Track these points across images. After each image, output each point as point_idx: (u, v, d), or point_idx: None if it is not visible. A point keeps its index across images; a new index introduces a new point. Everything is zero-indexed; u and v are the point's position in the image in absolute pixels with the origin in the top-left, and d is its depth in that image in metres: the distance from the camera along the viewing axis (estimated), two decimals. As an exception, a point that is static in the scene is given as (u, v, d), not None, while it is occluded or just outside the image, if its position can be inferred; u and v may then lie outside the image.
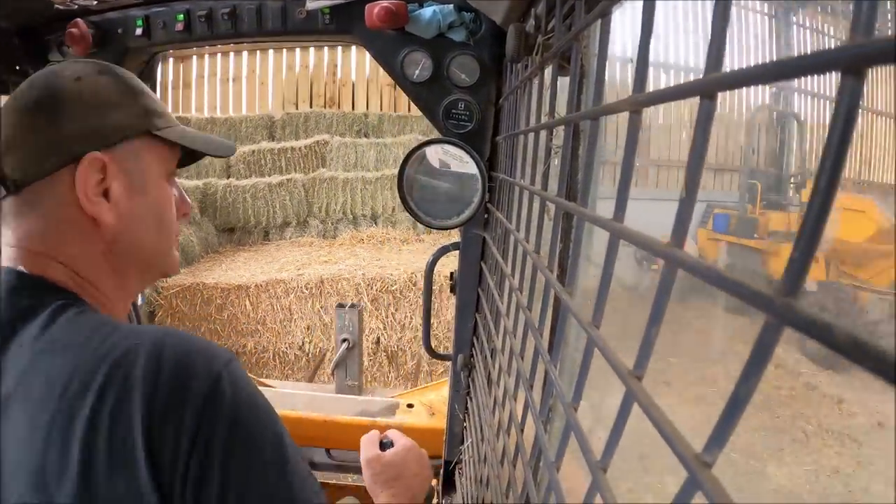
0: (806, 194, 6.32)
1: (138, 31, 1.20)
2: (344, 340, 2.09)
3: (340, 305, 2.13)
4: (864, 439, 3.62)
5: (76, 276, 0.64)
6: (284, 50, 6.82)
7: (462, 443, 1.27)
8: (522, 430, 0.56)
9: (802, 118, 7.64)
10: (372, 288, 4.28)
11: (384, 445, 0.97)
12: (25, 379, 0.53)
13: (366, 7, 1.04)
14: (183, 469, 0.50)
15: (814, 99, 8.12)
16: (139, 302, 1.55)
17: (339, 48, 6.62)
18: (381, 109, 6.68)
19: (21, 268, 0.62)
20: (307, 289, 4.39)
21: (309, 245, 5.43)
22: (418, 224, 5.55)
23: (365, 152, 5.98)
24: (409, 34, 1.08)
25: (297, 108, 6.73)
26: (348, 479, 1.69)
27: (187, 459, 0.50)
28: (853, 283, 5.22)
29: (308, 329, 4.45)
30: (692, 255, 0.27)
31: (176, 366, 0.52)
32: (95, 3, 1.17)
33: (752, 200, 6.64)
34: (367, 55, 7.11)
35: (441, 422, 1.31)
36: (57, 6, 1.15)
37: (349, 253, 5.05)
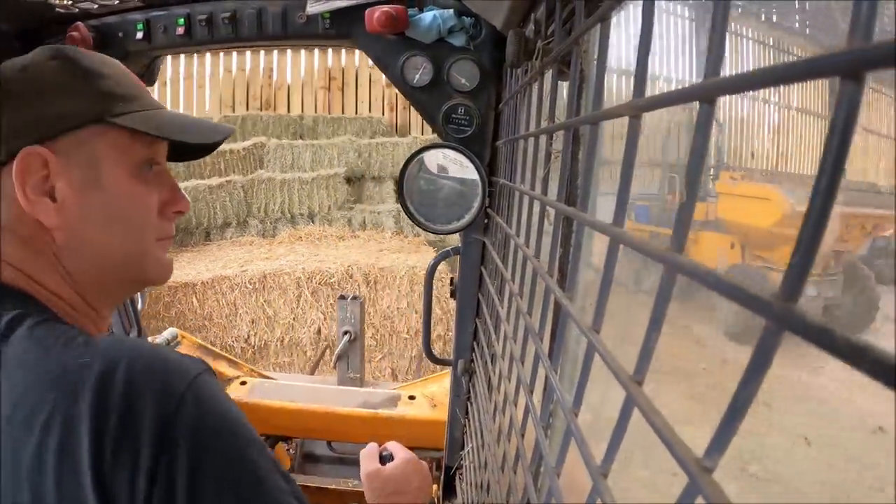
0: (719, 185, 6.83)
1: (139, 35, 1.20)
2: (346, 332, 2.08)
3: (342, 297, 2.12)
4: (773, 403, 3.97)
5: (31, 281, 0.58)
6: (221, 53, 6.93)
7: (463, 448, 1.26)
8: (523, 436, 0.56)
9: (722, 119, 8.17)
10: (312, 281, 4.48)
11: (384, 459, 0.96)
12: None
13: (366, 12, 1.04)
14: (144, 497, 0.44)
15: (730, 98, 8.53)
16: (139, 306, 1.54)
17: (276, 51, 6.70)
18: (315, 112, 6.83)
19: None
20: (251, 284, 4.57)
21: (249, 244, 5.61)
22: (353, 221, 5.40)
23: (301, 154, 6.19)
24: (410, 39, 1.08)
25: (233, 111, 6.91)
26: (349, 484, 1.68)
27: (147, 500, 0.44)
28: (764, 264, 5.73)
29: (253, 322, 4.63)
30: (692, 261, 0.27)
31: (129, 388, 0.46)
32: (96, 6, 1.17)
33: (672, 192, 7.07)
34: (302, 57, 7.05)
35: (443, 413, 1.31)
36: (58, 9, 1.16)
37: (289, 250, 5.24)
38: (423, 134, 6.84)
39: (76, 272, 0.60)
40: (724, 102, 8.81)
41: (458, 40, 1.07)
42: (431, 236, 5.90)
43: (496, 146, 1.12)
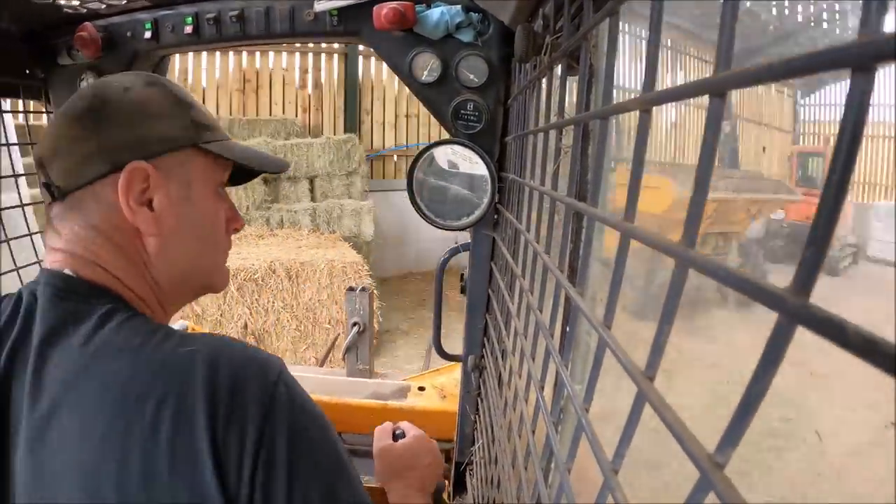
0: (615, 176, 7.19)
1: (147, 35, 1.21)
2: (355, 324, 2.07)
3: (351, 289, 2.12)
4: (671, 369, 4.42)
5: (118, 282, 0.64)
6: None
7: (473, 444, 1.27)
8: (534, 432, 0.56)
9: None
10: (237, 278, 4.54)
11: (396, 437, 0.99)
12: (76, 384, 0.53)
13: (374, 8, 1.04)
14: (249, 473, 0.51)
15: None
16: None
17: (191, 54, 6.64)
18: (230, 114, 6.82)
19: (68, 271, 0.62)
20: (175, 281, 4.76)
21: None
22: (272, 220, 5.85)
23: (218, 155, 6.34)
24: (417, 35, 1.08)
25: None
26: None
27: (253, 464, 0.51)
28: None
29: (181, 319, 4.80)
30: (704, 256, 0.27)
31: (234, 373, 0.53)
32: (104, 6, 1.18)
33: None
34: (217, 59, 7.08)
35: (452, 404, 1.31)
36: (66, 10, 1.16)
37: (210, 248, 5.44)
38: (335, 134, 6.94)
39: (160, 276, 0.67)
40: (620, 98, 9.96)
41: (467, 36, 1.07)
42: (348, 233, 6.15)
43: (505, 142, 1.11)
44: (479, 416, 1.18)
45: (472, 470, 1.25)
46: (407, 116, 7.70)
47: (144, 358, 0.54)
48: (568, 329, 0.53)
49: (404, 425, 1.03)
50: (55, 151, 0.63)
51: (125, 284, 0.64)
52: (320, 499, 0.54)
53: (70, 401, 0.53)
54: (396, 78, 1.43)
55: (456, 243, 1.28)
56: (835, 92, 11.95)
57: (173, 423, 0.50)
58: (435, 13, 1.05)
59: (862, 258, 12.31)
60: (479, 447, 1.17)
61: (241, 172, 0.77)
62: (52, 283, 0.61)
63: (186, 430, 0.50)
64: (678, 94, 0.28)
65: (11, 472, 0.53)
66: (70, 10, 1.17)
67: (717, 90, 0.24)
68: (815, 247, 0.17)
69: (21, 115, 1.34)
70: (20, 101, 1.32)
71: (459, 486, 1.33)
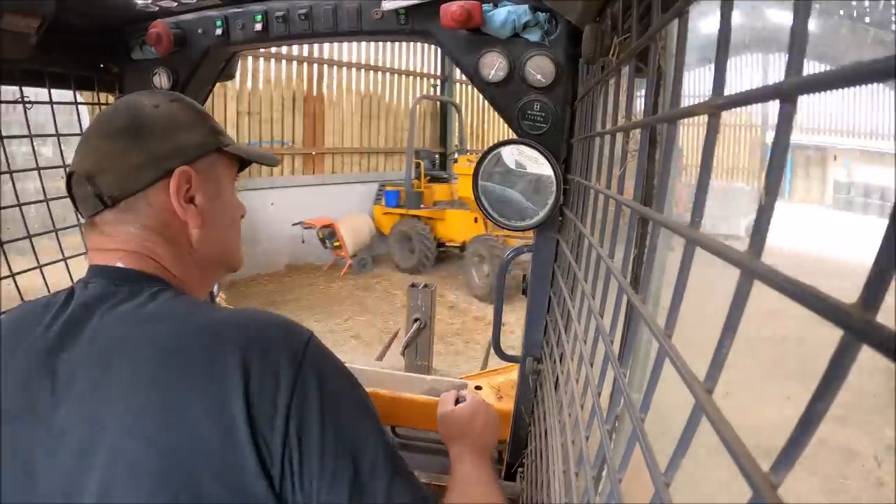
0: (457, 167, 7.98)
1: (218, 32, 1.25)
2: (416, 320, 2.09)
3: (413, 286, 2.14)
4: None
5: (166, 271, 0.74)
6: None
7: (526, 446, 1.26)
8: (587, 438, 0.55)
9: (460, 103, 10.15)
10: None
11: (458, 403, 1.06)
12: (128, 343, 0.61)
13: (441, 7, 1.05)
14: (283, 422, 0.57)
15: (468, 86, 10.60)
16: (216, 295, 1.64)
17: None
18: None
19: (119, 264, 0.71)
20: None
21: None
22: None
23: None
24: (485, 34, 1.08)
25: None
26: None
27: (286, 413, 0.58)
28: (504, 234, 6.80)
29: None
30: (770, 266, 0.26)
31: (268, 332, 0.62)
32: (175, 4, 1.23)
33: (418, 176, 8.37)
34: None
35: (509, 405, 1.30)
36: (139, 8, 1.22)
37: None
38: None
39: (200, 261, 0.78)
40: (461, 91, 10.76)
41: (534, 36, 1.06)
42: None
43: (571, 143, 1.10)
44: (534, 419, 1.17)
45: (522, 472, 1.24)
46: (249, 114, 7.75)
47: (187, 322, 0.63)
48: (628, 336, 0.52)
49: (467, 394, 1.10)
50: (102, 167, 0.71)
51: (172, 272, 0.74)
52: (351, 442, 0.60)
53: (122, 357, 0.61)
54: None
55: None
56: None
57: (208, 373, 0.58)
58: (502, 12, 1.05)
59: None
60: (531, 450, 1.16)
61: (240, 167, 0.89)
62: (106, 273, 0.71)
63: (219, 380, 0.57)
64: (747, 99, 0.27)
65: (56, 429, 0.60)
66: (143, 8, 1.23)
67: (787, 95, 0.23)
68: (883, 261, 0.17)
69: (97, 108, 1.42)
70: (95, 94, 1.40)
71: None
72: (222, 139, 0.81)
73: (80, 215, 0.79)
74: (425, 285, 2.14)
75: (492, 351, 1.46)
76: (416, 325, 2.09)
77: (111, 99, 1.43)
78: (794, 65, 0.22)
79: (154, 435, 0.56)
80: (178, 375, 0.58)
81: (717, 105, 0.32)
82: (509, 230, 1.19)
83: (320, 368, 0.62)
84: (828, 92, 0.20)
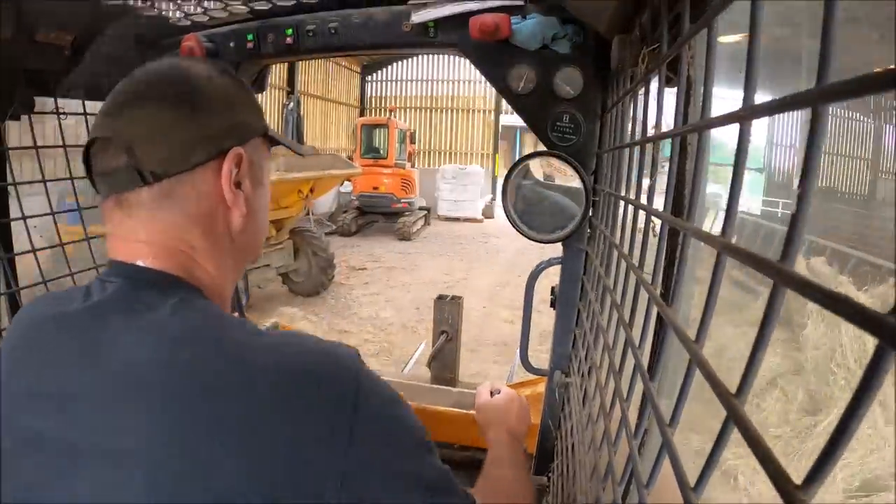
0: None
1: (249, 45, 1.28)
2: (443, 332, 2.09)
3: (440, 297, 2.14)
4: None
5: (199, 267, 0.65)
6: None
7: (552, 460, 1.24)
8: (615, 451, 0.54)
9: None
10: None
11: (493, 395, 1.13)
12: (147, 371, 0.53)
13: (470, 20, 1.06)
14: (340, 465, 0.51)
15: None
16: (244, 302, 1.65)
17: None
18: None
19: (142, 262, 0.62)
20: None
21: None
22: None
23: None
24: (513, 46, 1.08)
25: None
26: None
27: (344, 454, 0.51)
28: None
29: None
30: (803, 276, 0.25)
31: (312, 369, 0.54)
32: (207, 18, 1.25)
33: None
34: None
35: (536, 418, 1.29)
36: (172, 21, 1.25)
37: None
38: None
39: (236, 252, 0.70)
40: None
41: (562, 48, 1.06)
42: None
43: (600, 154, 1.09)
44: (561, 433, 1.16)
45: (549, 487, 1.23)
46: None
47: (217, 352, 0.53)
48: (659, 347, 0.52)
49: (502, 386, 1.16)
50: (147, 136, 0.61)
51: (206, 267, 0.65)
52: (413, 478, 0.57)
53: (138, 392, 0.52)
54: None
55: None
56: (393, 71, 16.21)
57: (241, 427, 0.50)
58: (530, 24, 1.05)
59: (434, 218, 13.57)
60: (557, 464, 1.14)
61: None
62: (126, 273, 0.61)
63: (256, 435, 0.50)
64: (777, 107, 0.27)
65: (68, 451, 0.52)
66: (176, 22, 1.25)
67: (817, 103, 0.23)
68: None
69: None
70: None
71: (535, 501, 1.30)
72: (265, 122, 0.73)
73: (97, 190, 0.65)
74: (452, 298, 2.14)
75: (519, 363, 1.45)
76: (443, 338, 2.09)
77: None
78: (823, 73, 0.22)
79: (172, 485, 0.49)
80: (204, 427, 0.50)
81: (747, 114, 0.32)
82: (537, 242, 1.18)
83: (376, 410, 0.55)
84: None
